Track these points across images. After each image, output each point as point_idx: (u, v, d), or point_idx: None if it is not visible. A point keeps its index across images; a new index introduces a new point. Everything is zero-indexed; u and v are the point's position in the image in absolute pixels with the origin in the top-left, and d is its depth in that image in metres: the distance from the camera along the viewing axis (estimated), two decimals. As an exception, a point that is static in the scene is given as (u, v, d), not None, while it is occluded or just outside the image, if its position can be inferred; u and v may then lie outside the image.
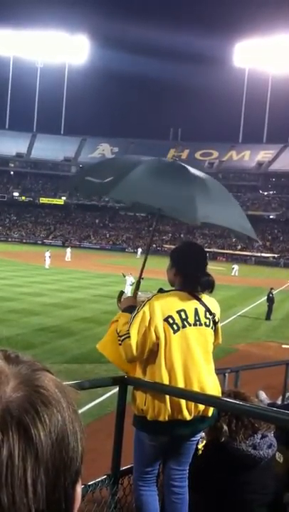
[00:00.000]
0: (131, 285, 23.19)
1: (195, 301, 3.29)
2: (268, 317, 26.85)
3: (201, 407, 3.20)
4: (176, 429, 3.19)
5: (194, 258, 3.42)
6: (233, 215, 3.67)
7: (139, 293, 3.52)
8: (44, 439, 0.63)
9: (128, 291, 18.25)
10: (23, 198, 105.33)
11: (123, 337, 3.20)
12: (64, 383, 0.72)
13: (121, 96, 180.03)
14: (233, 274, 53.20)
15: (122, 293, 3.67)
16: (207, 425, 3.29)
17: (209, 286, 3.32)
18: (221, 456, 3.19)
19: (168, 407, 3.13)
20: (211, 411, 3.24)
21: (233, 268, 55.71)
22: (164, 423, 3.16)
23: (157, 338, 3.14)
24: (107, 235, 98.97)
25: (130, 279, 24.37)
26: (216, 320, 3.37)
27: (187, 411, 3.16)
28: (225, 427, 3.20)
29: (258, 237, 3.97)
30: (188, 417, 3.16)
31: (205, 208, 3.29)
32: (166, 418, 3.15)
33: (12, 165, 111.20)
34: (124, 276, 23.99)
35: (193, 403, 3.17)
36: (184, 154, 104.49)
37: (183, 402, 3.15)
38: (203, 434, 3.53)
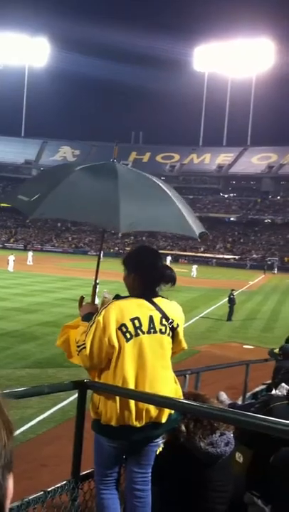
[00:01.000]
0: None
1: (151, 308, 3.24)
2: (229, 318, 27.17)
3: (153, 413, 3.16)
4: (128, 435, 3.18)
5: (147, 259, 3.38)
6: (168, 215, 3.49)
7: (106, 294, 3.45)
8: None
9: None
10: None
11: (80, 347, 3.18)
12: None
13: (82, 99, 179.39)
14: (192, 275, 53.83)
15: (82, 298, 3.62)
16: (163, 431, 3.27)
17: (171, 279, 3.31)
18: (180, 454, 3.22)
19: (118, 412, 3.13)
20: (164, 417, 3.20)
21: (192, 268, 56.80)
22: (115, 428, 3.15)
23: (112, 347, 3.11)
24: (70, 238, 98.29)
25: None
26: (175, 326, 3.31)
27: (136, 419, 3.13)
28: (183, 428, 3.22)
29: (203, 237, 3.72)
30: (137, 424, 3.14)
31: (130, 217, 3.21)
32: (117, 423, 3.14)
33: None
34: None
35: (144, 411, 3.14)
36: (146, 157, 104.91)
37: (133, 408, 3.12)
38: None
